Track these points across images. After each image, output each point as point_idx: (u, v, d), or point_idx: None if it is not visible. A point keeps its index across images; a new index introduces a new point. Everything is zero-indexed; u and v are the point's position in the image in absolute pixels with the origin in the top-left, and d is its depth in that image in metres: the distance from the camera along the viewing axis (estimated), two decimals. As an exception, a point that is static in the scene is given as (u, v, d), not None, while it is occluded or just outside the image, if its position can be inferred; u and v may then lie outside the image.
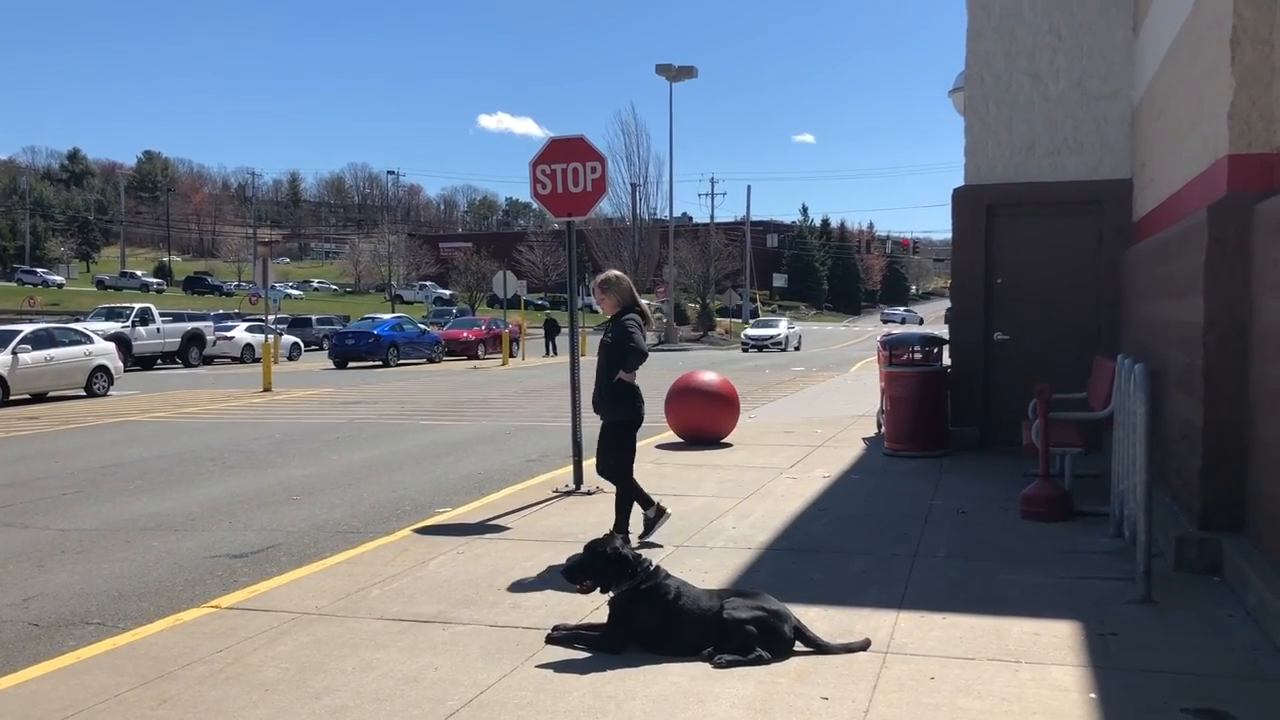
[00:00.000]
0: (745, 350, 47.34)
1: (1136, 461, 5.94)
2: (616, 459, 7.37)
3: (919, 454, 11.06)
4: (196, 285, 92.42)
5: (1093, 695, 4.39)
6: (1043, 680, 4.58)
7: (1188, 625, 5.31)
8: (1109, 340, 10.81)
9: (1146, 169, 10.06)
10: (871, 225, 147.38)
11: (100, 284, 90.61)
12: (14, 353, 21.93)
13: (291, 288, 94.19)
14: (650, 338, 46.19)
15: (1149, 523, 5.76)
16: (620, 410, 7.29)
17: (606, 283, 7.52)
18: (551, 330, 45.51)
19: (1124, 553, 6.67)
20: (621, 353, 7.19)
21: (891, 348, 11.75)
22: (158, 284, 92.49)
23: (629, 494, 7.39)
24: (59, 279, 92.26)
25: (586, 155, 9.56)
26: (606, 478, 7.54)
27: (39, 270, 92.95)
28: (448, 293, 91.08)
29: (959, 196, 11.71)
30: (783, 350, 46.76)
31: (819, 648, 4.96)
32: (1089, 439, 9.33)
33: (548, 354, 42.98)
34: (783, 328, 50.36)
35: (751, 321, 60.25)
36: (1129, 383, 6.54)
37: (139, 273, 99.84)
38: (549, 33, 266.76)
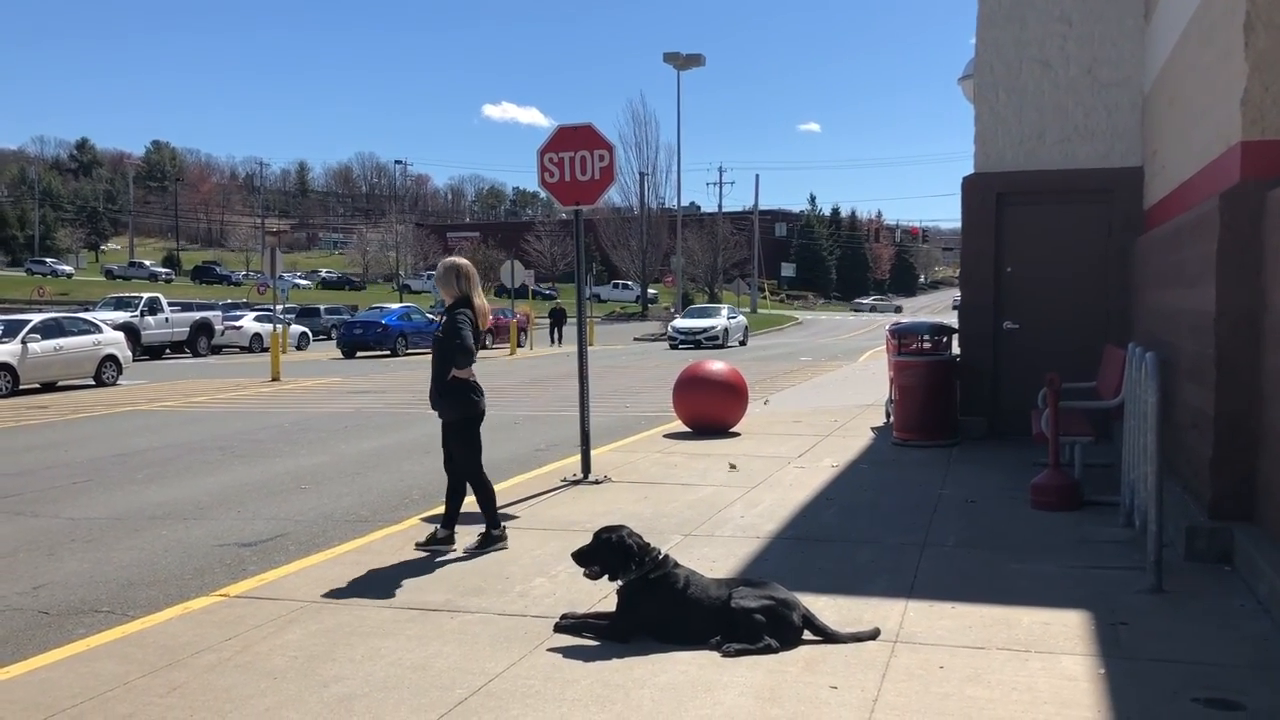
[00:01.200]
0: (674, 346, 39.43)
1: (1147, 450, 5.91)
2: (464, 459, 7.05)
3: (928, 443, 11.03)
4: (205, 275, 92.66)
5: (1103, 685, 4.37)
6: (1053, 669, 4.56)
7: (1198, 615, 5.28)
8: (1119, 329, 10.76)
9: (1158, 156, 10.00)
10: (880, 214, 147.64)
11: (109, 274, 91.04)
12: (23, 342, 21.99)
13: (300, 277, 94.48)
14: (656, 326, 45.90)
15: (1159, 512, 5.73)
16: (457, 408, 6.99)
17: (444, 272, 7.04)
18: (558, 319, 45.29)
19: (1134, 542, 6.64)
20: (451, 350, 6.84)
21: (901, 337, 11.71)
22: (166, 274, 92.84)
23: (486, 492, 7.04)
24: (68, 269, 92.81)
25: (595, 143, 9.52)
26: (455, 479, 7.12)
27: (48, 260, 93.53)
28: None
29: (968, 185, 11.65)
30: (720, 346, 39.13)
31: (828, 636, 4.95)
32: (1099, 428, 9.30)
33: (553, 343, 42.93)
34: (722, 319, 41.90)
35: (682, 311, 49.12)
36: (1139, 371, 6.51)
37: (147, 262, 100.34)
38: (554, 22, 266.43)
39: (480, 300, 7.10)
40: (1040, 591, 5.73)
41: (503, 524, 7.22)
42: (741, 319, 45.09)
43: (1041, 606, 5.44)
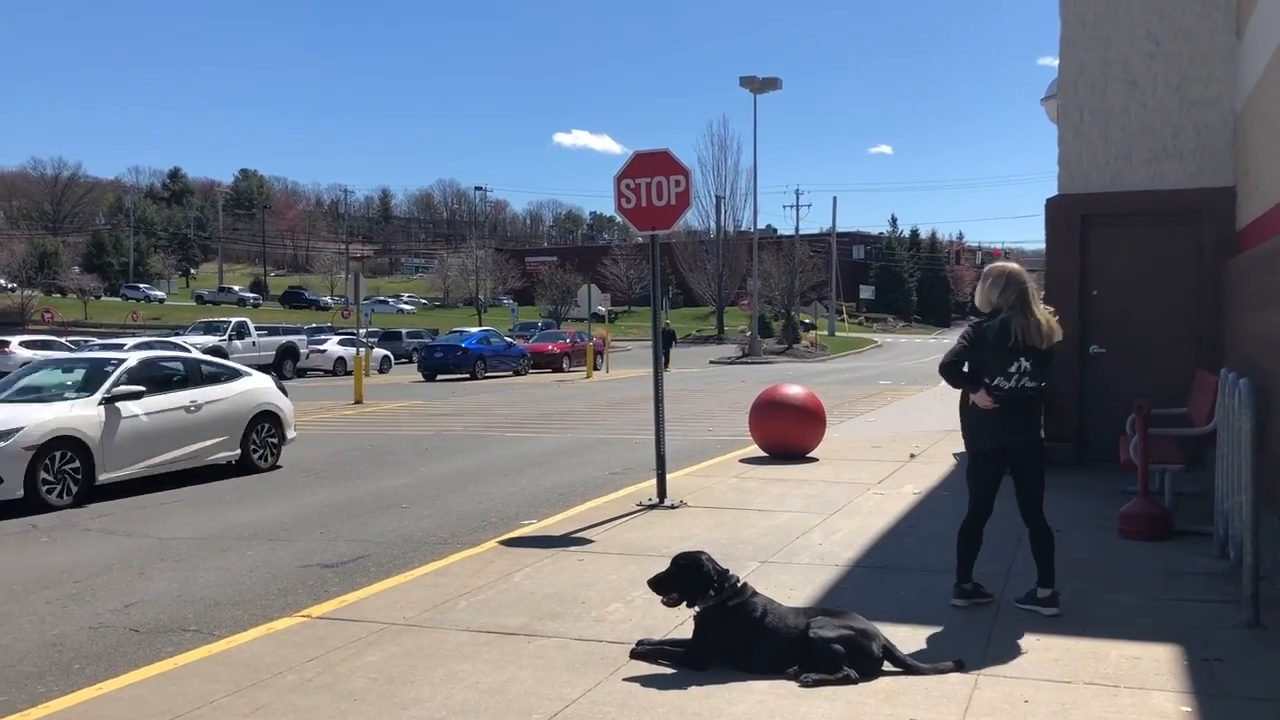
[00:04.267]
0: None
1: (1242, 479, 5.72)
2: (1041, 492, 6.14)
3: (1011, 470, 10.79)
4: (294, 299, 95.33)
5: (1197, 723, 4.22)
6: (1143, 706, 4.42)
7: (1299, 652, 5.08)
8: (1210, 354, 10.44)
9: (1251, 176, 9.71)
10: (961, 236, 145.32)
11: (199, 299, 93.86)
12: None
13: (379, 300, 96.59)
14: (733, 349, 45.62)
15: (1256, 543, 5.53)
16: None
17: (996, 278, 5.86)
18: (666, 341, 41.04)
19: (1228, 574, 6.41)
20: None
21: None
22: (254, 298, 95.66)
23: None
24: (161, 294, 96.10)
25: (670, 169, 9.55)
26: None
27: (141, 286, 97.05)
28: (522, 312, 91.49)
29: (1053, 206, 11.44)
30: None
31: (908, 668, 4.86)
32: (1190, 455, 9.02)
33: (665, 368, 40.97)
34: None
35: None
36: (1233, 398, 6.31)
37: (236, 288, 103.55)
38: (628, 52, 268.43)
39: (1036, 315, 5.78)
40: (1129, 624, 5.57)
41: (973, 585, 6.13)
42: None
43: (1130, 640, 5.28)
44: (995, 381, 5.76)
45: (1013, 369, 5.75)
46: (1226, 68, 10.66)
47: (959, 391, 6.11)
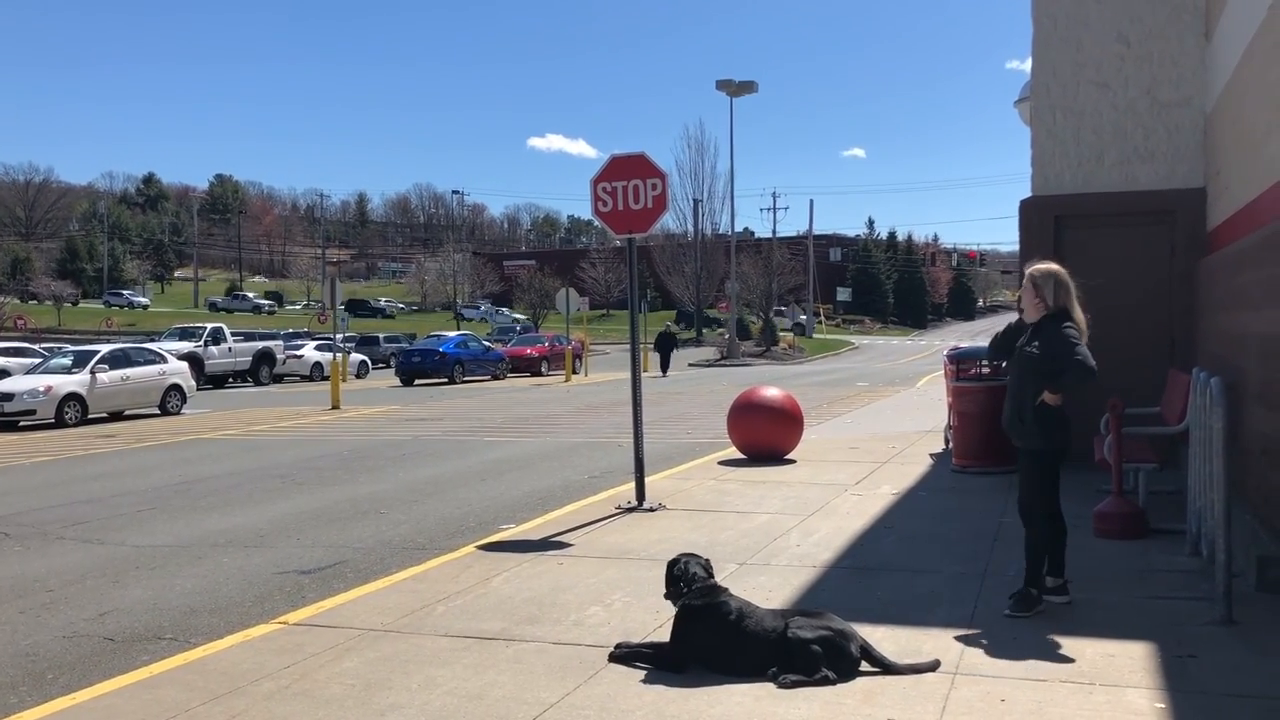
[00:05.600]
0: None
1: (1214, 477, 5.77)
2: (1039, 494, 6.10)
3: (988, 470, 10.87)
4: (360, 309, 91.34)
5: (1171, 720, 4.26)
6: (1117, 703, 4.45)
7: (1272, 647, 5.13)
8: (1183, 353, 10.54)
9: (1221, 177, 9.81)
10: (937, 238, 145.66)
11: (213, 306, 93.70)
12: (92, 372, 22.56)
13: (399, 304, 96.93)
14: (711, 352, 45.61)
15: (1229, 541, 5.58)
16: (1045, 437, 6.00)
17: (1043, 278, 5.92)
18: (665, 346, 40.81)
19: (1202, 572, 6.47)
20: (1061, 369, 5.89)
21: (959, 362, 11.56)
22: (269, 305, 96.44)
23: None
24: (145, 300, 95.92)
25: (647, 172, 9.55)
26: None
27: (125, 292, 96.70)
28: (509, 313, 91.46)
29: (1026, 208, 11.52)
30: None
31: (886, 668, 4.87)
32: (1163, 454, 9.09)
33: (664, 373, 38.99)
34: None
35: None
36: (1205, 396, 6.37)
37: (251, 295, 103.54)
38: (600, 55, 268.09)
39: (1079, 314, 5.95)
40: (1104, 622, 5.61)
41: (1059, 582, 6.00)
42: None
43: (1105, 638, 5.32)
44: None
45: None
46: (1196, 69, 10.77)
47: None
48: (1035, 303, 5.92)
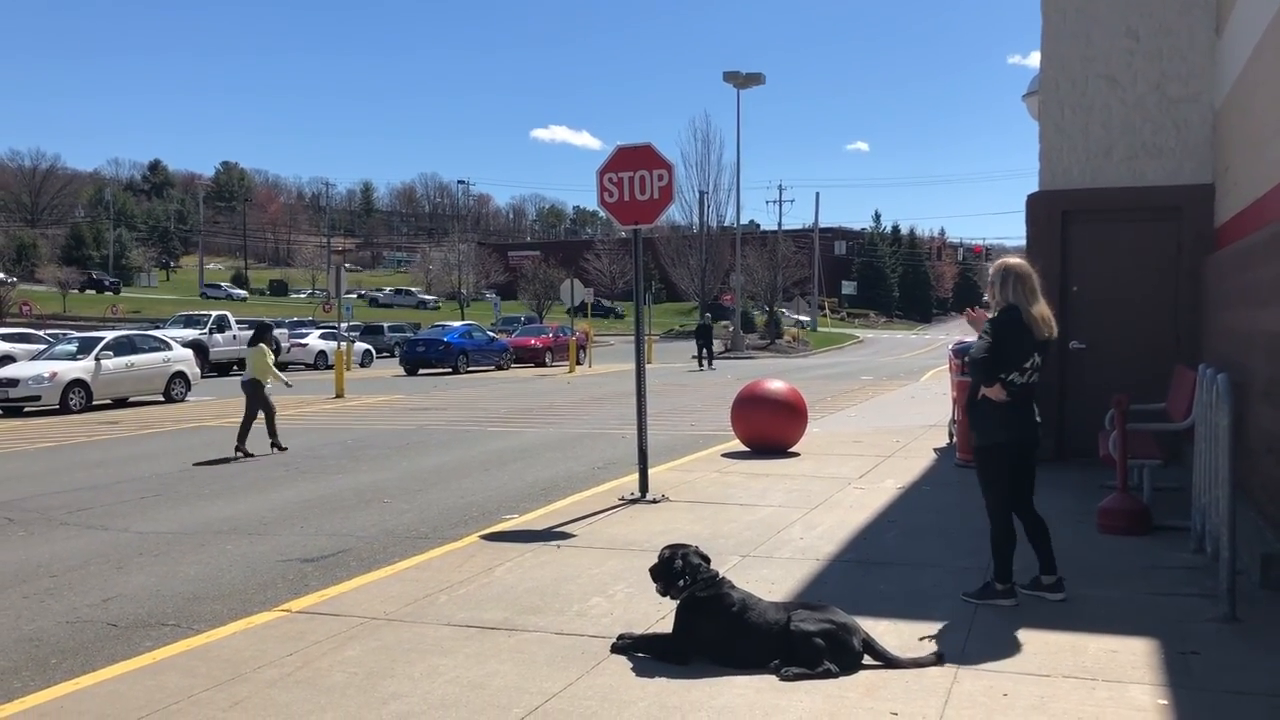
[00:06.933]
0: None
1: (1219, 475, 5.76)
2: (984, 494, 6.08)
3: (991, 465, 10.83)
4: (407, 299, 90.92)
5: (1172, 717, 4.25)
6: (1120, 699, 4.44)
7: (1275, 645, 5.12)
8: (1189, 349, 10.51)
9: (1230, 173, 9.77)
10: (943, 232, 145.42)
11: (205, 295, 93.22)
12: (97, 359, 22.60)
13: (360, 293, 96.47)
14: (716, 345, 45.55)
15: (1233, 538, 5.57)
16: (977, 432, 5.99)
17: (995, 275, 5.94)
18: (705, 337, 39.39)
19: (1206, 569, 6.46)
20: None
21: (963, 356, 11.54)
22: (323, 291, 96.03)
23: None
24: (154, 286, 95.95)
25: (653, 163, 9.54)
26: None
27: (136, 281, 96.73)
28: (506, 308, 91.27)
29: (1033, 202, 11.48)
30: None
31: (888, 662, 4.87)
32: (1168, 451, 9.08)
33: (701, 367, 37.87)
34: None
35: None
36: (1211, 393, 6.35)
37: (223, 284, 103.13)
38: (605, 46, 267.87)
39: (1038, 309, 5.83)
40: (1107, 618, 5.60)
41: (1053, 580, 6.01)
42: None
43: (1109, 634, 5.31)
44: (1010, 376, 5.76)
45: (1027, 364, 5.77)
46: (1206, 65, 10.72)
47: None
48: (992, 297, 5.98)
